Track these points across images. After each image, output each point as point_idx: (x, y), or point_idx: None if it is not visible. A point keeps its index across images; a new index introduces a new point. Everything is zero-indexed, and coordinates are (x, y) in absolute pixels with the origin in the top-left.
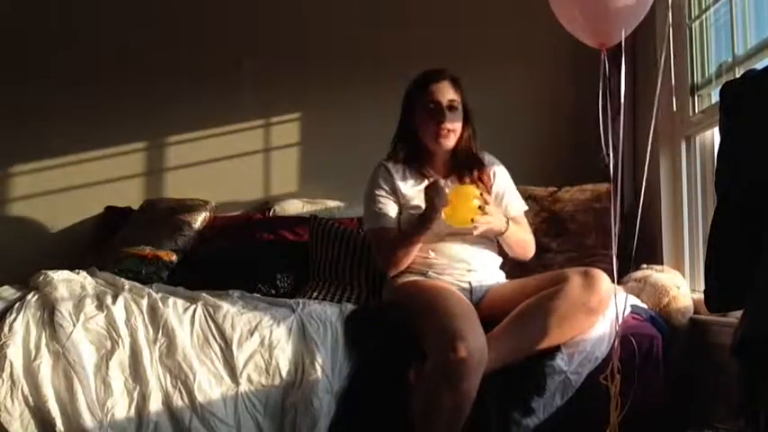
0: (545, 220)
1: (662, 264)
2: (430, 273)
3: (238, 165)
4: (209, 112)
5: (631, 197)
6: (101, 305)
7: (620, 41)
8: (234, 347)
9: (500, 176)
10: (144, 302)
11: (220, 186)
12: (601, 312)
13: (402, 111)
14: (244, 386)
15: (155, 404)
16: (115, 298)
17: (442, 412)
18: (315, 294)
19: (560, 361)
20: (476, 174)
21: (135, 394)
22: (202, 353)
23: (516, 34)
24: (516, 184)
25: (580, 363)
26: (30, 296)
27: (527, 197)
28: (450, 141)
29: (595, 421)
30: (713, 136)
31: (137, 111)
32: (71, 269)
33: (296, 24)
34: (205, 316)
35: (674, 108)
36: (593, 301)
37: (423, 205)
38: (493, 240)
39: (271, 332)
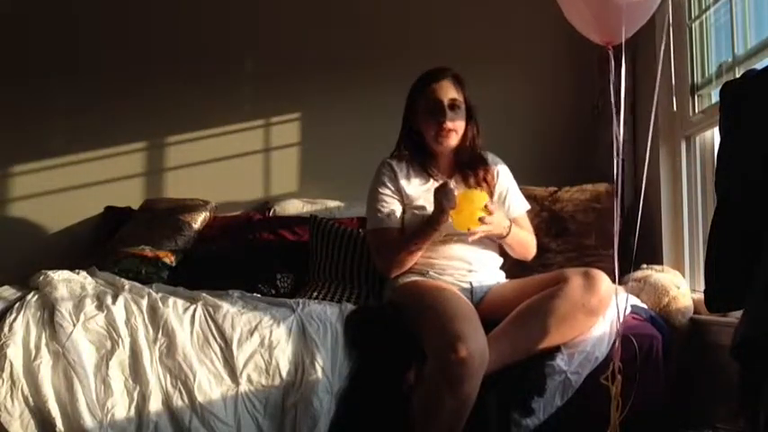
0: (545, 221)
1: (662, 264)
2: (430, 273)
3: (238, 165)
4: (209, 113)
5: (631, 197)
6: (101, 305)
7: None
8: (234, 347)
9: (503, 176)
10: (144, 302)
11: (220, 186)
12: (601, 313)
13: (405, 110)
14: (244, 386)
15: (155, 404)
16: (115, 298)
17: (442, 414)
18: (315, 294)
19: (560, 361)
20: (480, 173)
21: (135, 394)
22: (202, 353)
23: (516, 34)
24: (516, 184)
25: (580, 363)
26: (30, 296)
27: (527, 197)
28: (451, 141)
29: (595, 421)
30: (713, 136)
31: (137, 111)
32: (71, 269)
33: (296, 24)
34: (205, 316)
35: (674, 108)
36: (594, 301)
37: (427, 205)
38: (494, 241)
39: (271, 332)
